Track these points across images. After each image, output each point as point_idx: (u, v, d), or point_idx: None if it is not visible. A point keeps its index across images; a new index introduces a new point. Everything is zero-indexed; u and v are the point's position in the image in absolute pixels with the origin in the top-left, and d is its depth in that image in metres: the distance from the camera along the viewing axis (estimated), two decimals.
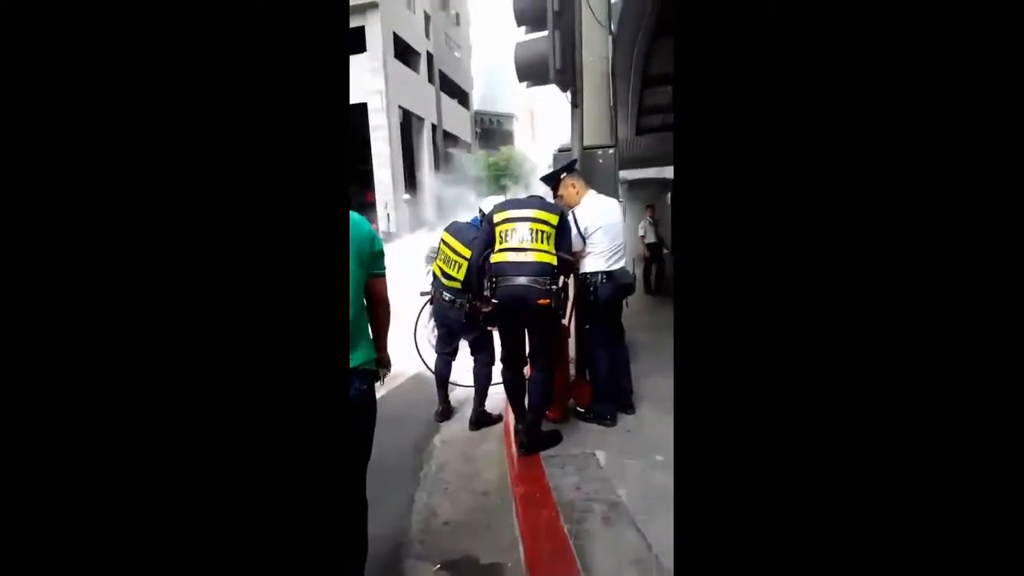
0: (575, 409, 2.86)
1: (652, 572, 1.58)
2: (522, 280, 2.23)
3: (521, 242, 2.29)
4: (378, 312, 1.56)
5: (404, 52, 19.90)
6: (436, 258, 3.06)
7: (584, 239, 2.63)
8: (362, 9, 17.32)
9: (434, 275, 3.05)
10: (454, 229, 2.96)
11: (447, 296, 2.89)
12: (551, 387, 2.47)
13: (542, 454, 2.40)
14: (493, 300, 2.31)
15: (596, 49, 3.63)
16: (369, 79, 17.57)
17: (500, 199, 2.73)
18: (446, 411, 3.18)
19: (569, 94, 3.06)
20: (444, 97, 23.25)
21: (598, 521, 1.86)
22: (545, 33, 2.86)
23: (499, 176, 21.42)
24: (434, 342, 3.35)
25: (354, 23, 17.05)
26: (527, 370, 2.49)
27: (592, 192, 2.75)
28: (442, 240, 2.98)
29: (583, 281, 2.68)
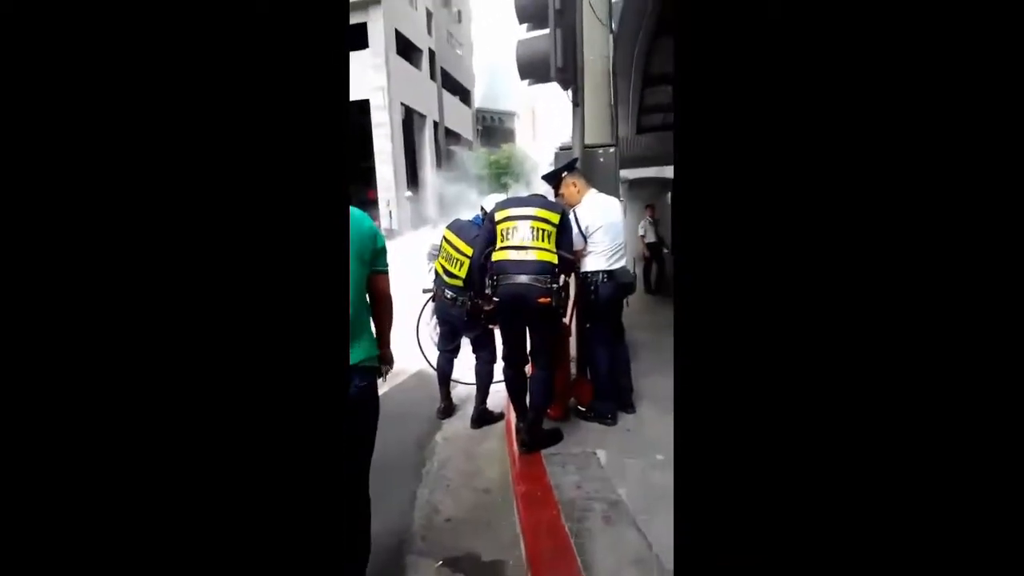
0: (576, 408, 2.86)
1: (652, 571, 1.58)
2: (523, 279, 2.24)
3: (522, 241, 2.29)
4: (381, 309, 1.55)
5: (406, 49, 19.86)
6: (438, 256, 3.07)
7: (585, 238, 2.63)
8: (364, 5, 17.29)
9: (436, 273, 3.05)
10: (456, 227, 2.96)
11: (449, 294, 2.89)
12: (552, 385, 2.47)
13: (543, 452, 2.41)
14: (494, 298, 2.31)
15: (597, 47, 3.62)
16: (371, 76, 17.56)
17: (502, 197, 2.73)
18: (448, 408, 3.19)
19: (570, 92, 3.05)
20: (446, 94, 23.21)
21: (599, 520, 1.87)
22: (547, 31, 2.86)
23: (500, 174, 21.39)
24: (436, 339, 3.36)
25: (356, 19, 17.02)
26: (528, 368, 2.50)
27: (593, 191, 2.75)
28: (444, 238, 2.99)
29: (584, 280, 2.69)
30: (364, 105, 17.51)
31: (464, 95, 27.14)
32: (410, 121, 20.18)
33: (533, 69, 3.01)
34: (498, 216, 2.39)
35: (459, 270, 2.83)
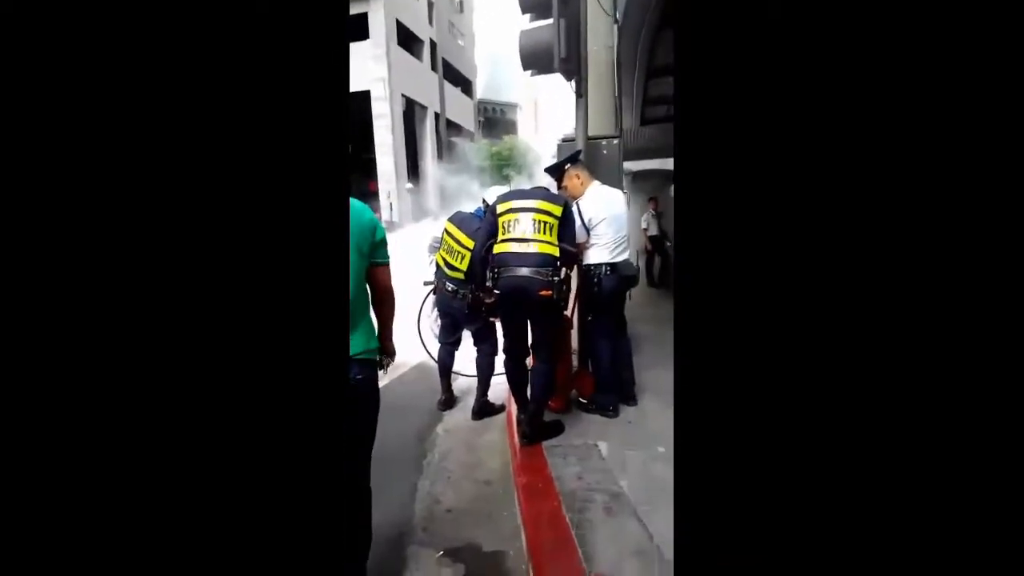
0: (577, 400, 2.87)
1: (653, 563, 1.59)
2: (524, 271, 2.23)
3: (524, 233, 2.28)
4: (382, 301, 1.54)
5: (407, 39, 19.71)
6: (439, 248, 3.06)
7: (588, 230, 2.62)
8: None
9: (437, 265, 3.05)
10: (458, 219, 2.95)
11: (450, 286, 2.89)
12: (553, 378, 2.48)
13: (544, 444, 2.41)
14: (495, 291, 2.31)
15: (601, 38, 3.59)
16: (372, 66, 17.43)
17: (504, 190, 2.72)
18: (449, 400, 3.20)
19: (574, 83, 3.03)
20: (447, 85, 23.05)
21: (600, 511, 1.88)
22: (550, 21, 2.82)
23: (502, 166, 21.30)
24: (437, 332, 3.36)
25: (357, 9, 16.88)
26: (529, 361, 2.50)
27: (596, 183, 2.74)
28: (445, 230, 2.98)
29: (587, 273, 2.68)
30: (365, 96, 17.43)
31: (466, 86, 26.97)
32: (411, 112, 20.07)
33: (536, 59, 2.98)
34: (500, 208, 2.38)
35: (460, 263, 2.82)
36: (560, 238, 2.31)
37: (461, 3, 26.87)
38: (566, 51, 2.78)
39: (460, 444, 2.71)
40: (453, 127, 24.05)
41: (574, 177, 2.71)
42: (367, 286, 1.47)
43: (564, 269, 2.35)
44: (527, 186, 2.67)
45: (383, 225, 1.51)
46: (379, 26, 17.60)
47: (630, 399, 2.85)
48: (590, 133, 3.13)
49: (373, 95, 17.65)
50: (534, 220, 2.29)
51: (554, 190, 2.68)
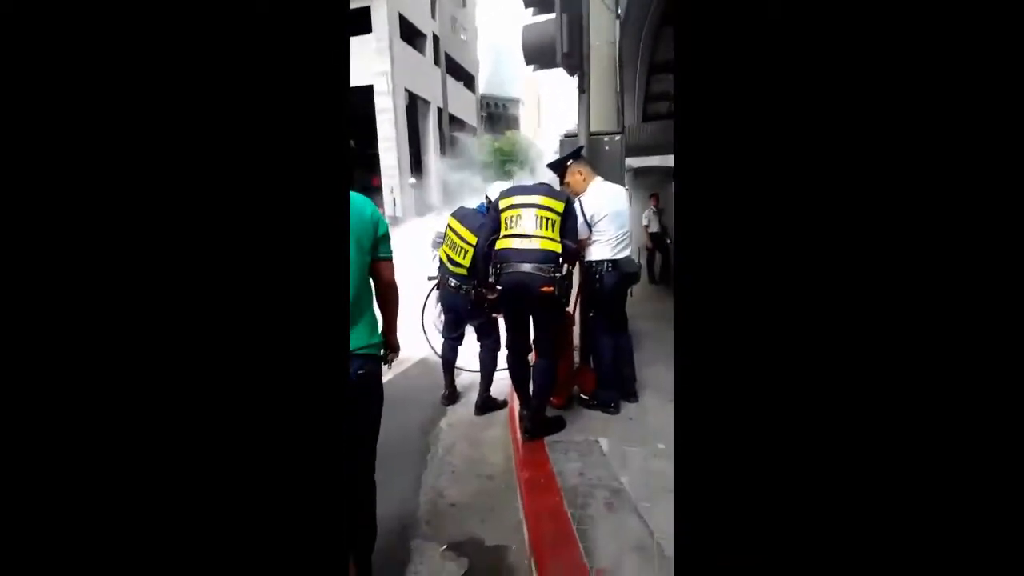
0: (579, 396, 2.88)
1: (654, 558, 1.60)
2: (526, 267, 2.23)
3: (526, 229, 2.29)
4: (386, 296, 1.53)
5: (410, 34, 19.62)
6: (442, 243, 3.06)
7: (590, 227, 2.62)
8: None
9: (441, 261, 3.05)
10: (460, 215, 2.96)
11: (453, 282, 2.90)
12: (555, 374, 2.49)
13: (546, 440, 2.43)
14: (497, 287, 2.32)
15: (604, 34, 3.58)
16: (374, 61, 17.36)
17: (507, 185, 2.72)
18: (452, 395, 3.21)
19: (576, 79, 3.02)
20: (450, 80, 22.95)
21: (601, 506, 1.89)
22: (553, 16, 2.82)
23: (504, 161, 21.24)
24: (440, 327, 3.37)
25: (360, 3, 16.80)
26: (531, 356, 2.51)
27: (599, 179, 2.73)
28: (448, 226, 2.99)
29: (589, 269, 2.68)
30: (367, 91, 17.37)
31: (468, 81, 26.86)
32: (414, 107, 20.00)
33: (539, 54, 2.98)
34: (502, 204, 2.38)
35: (463, 258, 2.83)
36: (562, 234, 2.31)
37: None
38: (568, 46, 2.77)
39: (463, 439, 2.73)
40: (456, 122, 23.97)
41: (576, 173, 2.71)
42: (370, 281, 1.46)
43: (566, 265, 2.35)
44: (529, 182, 2.68)
45: (386, 219, 1.50)
46: (382, 20, 17.51)
47: (631, 395, 2.86)
48: (592, 129, 3.13)
49: (376, 90, 17.59)
50: (536, 216, 2.29)
51: (556, 186, 2.68)
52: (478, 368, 3.07)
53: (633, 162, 8.34)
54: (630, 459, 2.24)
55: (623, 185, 3.02)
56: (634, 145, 7.58)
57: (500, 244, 2.33)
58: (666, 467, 2.10)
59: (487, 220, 2.51)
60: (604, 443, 2.40)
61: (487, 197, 2.96)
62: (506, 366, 2.55)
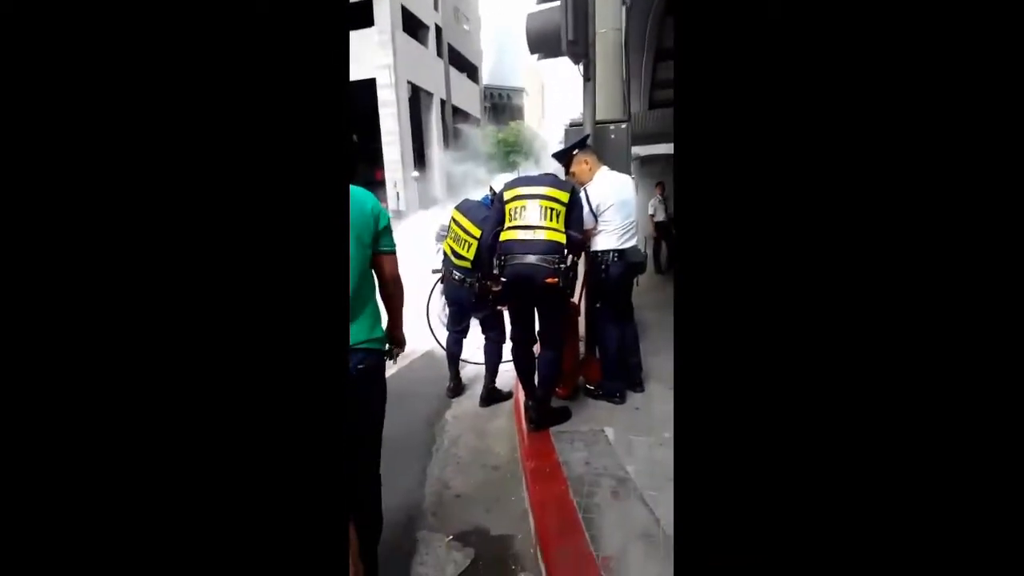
0: (585, 386, 2.88)
1: (660, 546, 1.61)
2: (530, 258, 2.22)
3: (531, 220, 2.27)
4: (390, 290, 1.51)
5: (412, 25, 19.52)
6: (447, 236, 3.06)
7: (596, 217, 2.60)
8: None
9: (445, 254, 3.05)
10: (465, 208, 2.95)
11: (457, 275, 2.89)
12: (560, 364, 2.48)
13: (552, 430, 2.43)
14: (502, 279, 2.31)
15: (609, 20, 3.52)
16: (377, 54, 17.30)
17: (511, 177, 2.70)
18: (457, 387, 3.22)
19: (581, 67, 2.98)
20: (453, 71, 22.84)
21: (607, 495, 1.90)
22: (557, 3, 2.78)
23: (509, 152, 21.17)
24: (445, 320, 3.38)
25: None
26: (537, 348, 2.50)
27: (605, 168, 2.71)
28: (452, 219, 2.98)
29: (594, 259, 2.67)
30: (370, 84, 17.31)
31: (472, 72, 26.70)
32: (417, 99, 19.93)
33: (543, 42, 2.94)
34: (507, 196, 2.36)
35: (467, 251, 2.82)
36: (567, 225, 2.29)
37: None
38: (574, 34, 2.73)
39: (469, 430, 2.73)
40: (459, 114, 23.89)
41: (582, 163, 2.69)
42: (372, 275, 1.45)
43: (571, 256, 2.34)
44: (534, 172, 2.65)
45: (388, 212, 1.48)
46: (384, 13, 17.42)
47: (637, 385, 2.85)
48: (598, 117, 3.09)
49: (379, 83, 17.55)
50: (541, 207, 2.28)
51: (562, 176, 2.66)
52: (483, 360, 3.07)
53: (639, 150, 8.28)
54: (636, 448, 2.24)
55: (629, 174, 2.99)
56: (640, 133, 7.51)
57: (505, 236, 2.32)
58: (671, 456, 2.09)
59: (491, 212, 2.49)
60: (610, 433, 2.40)
61: (491, 189, 2.94)
62: (511, 358, 2.55)
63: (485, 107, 29.26)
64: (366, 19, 17.24)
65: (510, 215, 2.33)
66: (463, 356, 3.26)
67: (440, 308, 3.64)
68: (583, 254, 2.64)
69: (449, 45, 22.65)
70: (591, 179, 2.66)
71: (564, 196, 2.29)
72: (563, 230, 2.27)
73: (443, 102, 21.70)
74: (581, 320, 2.93)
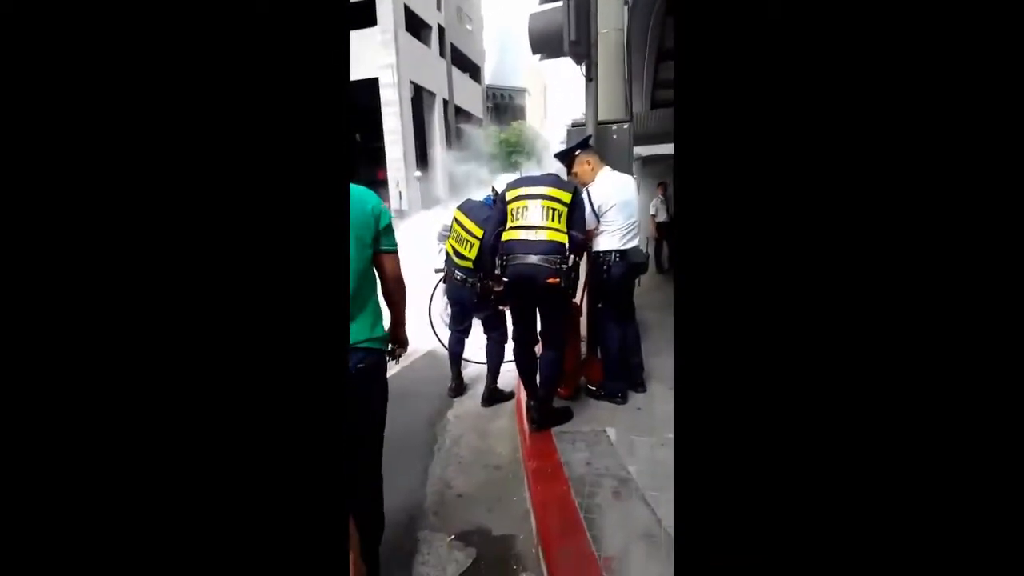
0: (587, 387, 2.88)
1: (661, 546, 1.60)
2: (532, 259, 2.22)
3: (532, 220, 2.27)
4: (392, 291, 1.50)
5: (415, 25, 19.53)
6: (449, 236, 3.06)
7: (598, 217, 2.60)
8: None
9: (447, 254, 3.05)
10: (467, 208, 2.95)
11: (459, 275, 2.89)
12: (562, 365, 2.48)
13: (553, 430, 2.43)
14: (503, 278, 2.31)
15: (611, 20, 3.52)
16: (380, 53, 17.31)
17: (513, 177, 2.71)
18: (459, 387, 3.22)
19: (583, 67, 2.98)
20: (455, 71, 22.83)
21: (608, 496, 1.90)
22: (560, 3, 2.78)
23: (511, 152, 21.16)
24: (447, 319, 3.38)
25: None
26: (539, 348, 2.50)
27: (607, 169, 2.71)
28: (455, 219, 2.98)
29: (596, 259, 2.67)
30: (373, 84, 17.32)
31: (474, 72, 26.70)
32: (419, 99, 19.94)
33: (546, 42, 2.94)
34: (509, 196, 2.36)
35: (469, 251, 2.82)
36: (569, 225, 2.29)
37: None
38: (576, 34, 2.73)
39: (470, 430, 2.74)
40: (462, 114, 23.88)
41: (584, 163, 2.69)
42: (372, 274, 1.44)
43: (572, 256, 2.34)
44: (536, 172, 2.65)
45: (389, 211, 1.46)
46: (387, 12, 17.43)
47: (638, 386, 2.85)
48: (600, 118, 3.09)
49: (381, 82, 17.56)
50: (543, 207, 2.28)
51: (564, 176, 2.66)
52: (485, 360, 3.07)
53: (641, 151, 8.26)
54: (637, 448, 2.24)
55: (631, 174, 2.99)
56: (642, 133, 7.49)
57: (506, 236, 2.32)
58: (673, 457, 2.10)
59: (493, 212, 2.49)
60: (611, 433, 2.40)
61: (494, 189, 2.94)
62: (512, 358, 2.55)
63: (487, 107, 29.25)
64: (368, 18, 17.25)
65: (512, 215, 2.33)
66: (465, 356, 3.26)
67: (442, 307, 3.64)
68: (585, 254, 2.64)
69: (452, 45, 22.64)
70: (593, 179, 2.66)
71: (566, 196, 2.29)
72: (565, 230, 2.27)
73: (445, 102, 21.69)
74: (583, 320, 2.93)
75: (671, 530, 1.65)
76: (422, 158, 19.78)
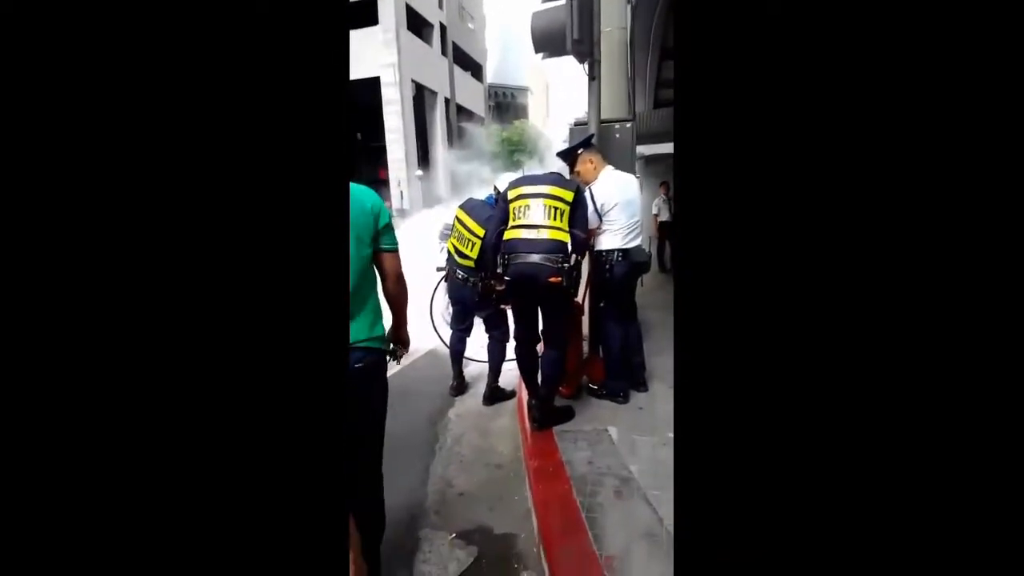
0: (588, 386, 2.88)
1: (663, 545, 1.60)
2: (534, 258, 2.22)
3: (534, 219, 2.27)
4: (393, 290, 1.49)
5: (417, 24, 19.51)
6: (450, 235, 3.06)
7: (600, 216, 2.59)
8: None
9: (448, 252, 3.05)
10: (468, 207, 2.95)
11: (460, 274, 2.89)
12: (563, 364, 2.48)
13: (555, 429, 2.43)
14: (505, 277, 2.31)
15: (615, 18, 3.52)
16: (381, 52, 17.30)
17: (515, 176, 2.70)
18: (460, 386, 3.22)
19: (586, 66, 2.98)
20: (457, 70, 22.82)
21: (610, 495, 1.89)
22: (562, 1, 2.77)
23: (513, 151, 21.14)
24: (449, 318, 3.38)
25: None
26: (540, 347, 2.50)
27: (609, 168, 2.70)
28: (456, 218, 2.97)
29: (599, 258, 2.66)
30: (374, 83, 17.32)
31: (476, 70, 26.68)
32: (421, 98, 19.93)
33: (548, 41, 2.93)
34: (511, 195, 2.36)
35: (471, 251, 2.82)
36: (572, 224, 2.28)
37: None
38: (579, 32, 2.72)
39: (472, 429, 2.74)
40: (463, 112, 23.88)
41: (587, 162, 2.68)
42: (372, 273, 1.43)
43: (574, 256, 2.33)
44: (539, 171, 2.65)
45: (388, 209, 1.45)
46: (388, 11, 17.43)
47: (640, 385, 2.85)
48: (603, 116, 3.08)
49: (383, 81, 17.56)
50: (545, 206, 2.27)
51: (566, 175, 2.66)
52: (486, 359, 3.07)
53: (644, 150, 8.26)
54: (639, 448, 2.23)
55: (634, 173, 2.98)
56: (645, 132, 7.48)
57: (508, 235, 2.31)
58: None
59: (496, 212, 2.49)
60: (613, 432, 2.39)
61: (495, 188, 2.94)
62: (514, 357, 2.55)
63: (489, 106, 29.23)
64: (370, 17, 17.26)
65: (514, 214, 2.32)
66: (467, 354, 3.26)
67: (443, 306, 3.64)
68: (587, 253, 2.64)
69: (453, 44, 22.64)
70: (596, 178, 2.65)
71: (568, 195, 2.29)
72: (567, 229, 2.26)
73: (447, 101, 21.69)
74: (585, 319, 2.93)
75: (672, 529, 1.65)
76: (424, 157, 19.78)
